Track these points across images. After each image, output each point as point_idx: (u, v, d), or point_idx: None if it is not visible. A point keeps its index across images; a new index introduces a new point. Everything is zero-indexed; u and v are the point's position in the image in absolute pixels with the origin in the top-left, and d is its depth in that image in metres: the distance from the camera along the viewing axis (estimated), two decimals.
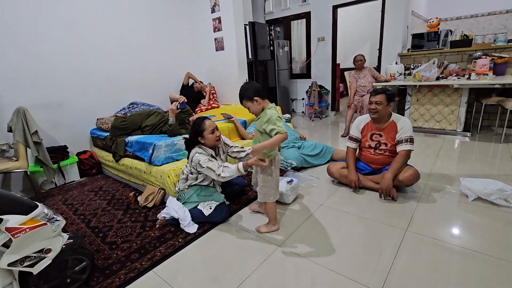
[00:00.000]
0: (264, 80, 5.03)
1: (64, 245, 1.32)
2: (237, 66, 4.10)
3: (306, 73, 5.80)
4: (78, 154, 3.16)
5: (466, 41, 3.76)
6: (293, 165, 2.72)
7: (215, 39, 4.27)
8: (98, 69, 3.32)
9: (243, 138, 3.08)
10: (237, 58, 4.08)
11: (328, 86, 5.48)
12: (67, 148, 3.02)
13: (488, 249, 1.49)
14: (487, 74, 3.14)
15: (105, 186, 2.79)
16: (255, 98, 1.59)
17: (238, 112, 3.44)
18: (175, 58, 4.18)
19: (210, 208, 1.89)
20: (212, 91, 4.33)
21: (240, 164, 1.70)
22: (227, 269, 1.50)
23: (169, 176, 2.20)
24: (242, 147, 2.09)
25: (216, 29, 4.21)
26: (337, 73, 5.44)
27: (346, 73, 4.46)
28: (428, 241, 1.60)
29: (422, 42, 4.14)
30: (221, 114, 3.16)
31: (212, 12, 4.17)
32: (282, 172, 2.71)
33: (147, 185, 2.41)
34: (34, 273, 1.20)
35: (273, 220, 1.79)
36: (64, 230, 1.38)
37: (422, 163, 2.64)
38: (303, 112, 5.92)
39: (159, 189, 2.26)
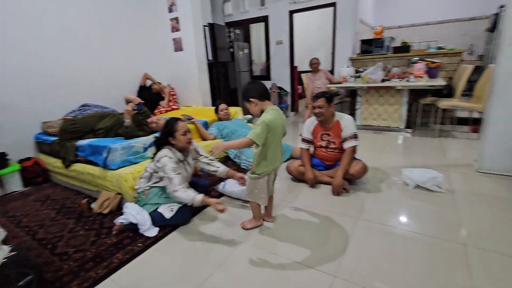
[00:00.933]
0: (225, 81, 5.06)
1: (4, 258, 1.20)
2: (196, 67, 4.07)
3: (266, 75, 5.95)
4: (20, 162, 2.86)
5: (405, 47, 4.21)
6: None
7: (174, 39, 4.19)
8: (44, 68, 3.04)
9: (204, 139, 3.07)
10: (196, 59, 4.05)
11: (287, 88, 5.69)
12: (6, 155, 2.72)
13: (428, 230, 1.69)
14: (422, 77, 3.55)
15: (54, 195, 2.58)
16: (251, 99, 1.56)
17: (198, 113, 3.43)
18: (132, 57, 3.99)
19: (172, 211, 1.86)
20: (172, 92, 4.23)
21: (200, 197, 1.69)
22: (189, 270, 1.49)
23: (126, 180, 2.11)
24: (212, 159, 2.12)
25: (174, 29, 4.14)
26: (295, 75, 5.68)
27: (303, 75, 4.69)
28: (376, 227, 1.76)
29: (369, 47, 4.53)
30: (181, 115, 3.10)
31: (169, 12, 4.09)
32: (244, 171, 2.76)
33: (102, 190, 2.28)
34: None
35: (258, 217, 1.81)
36: (5, 244, 1.26)
37: (371, 158, 2.88)
38: None
39: (115, 194, 2.16)
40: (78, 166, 2.49)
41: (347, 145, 2.23)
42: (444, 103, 3.42)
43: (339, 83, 4.18)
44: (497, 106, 2.30)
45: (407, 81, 3.60)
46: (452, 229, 1.69)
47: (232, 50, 5.23)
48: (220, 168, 2.07)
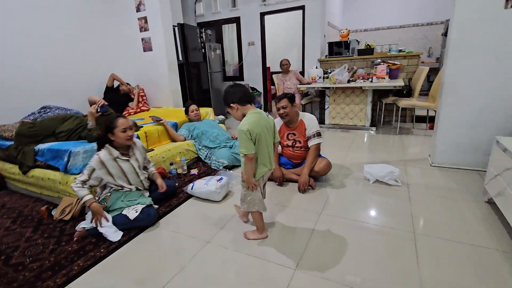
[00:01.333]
0: (197, 82, 5.02)
1: None
2: (166, 67, 4.01)
3: (239, 76, 5.98)
4: None
5: (369, 50, 4.44)
6: (225, 164, 2.81)
7: (142, 39, 4.10)
8: None
9: (174, 140, 3.04)
10: (166, 59, 3.99)
11: (260, 88, 5.76)
12: None
13: (384, 221, 1.81)
14: (384, 78, 3.77)
15: (10, 203, 2.43)
16: (231, 104, 1.51)
17: (168, 114, 3.39)
18: (97, 57, 3.85)
19: (136, 212, 1.82)
20: (141, 94, 4.14)
21: (87, 198, 1.76)
22: (154, 273, 1.49)
23: None
24: (150, 162, 2.20)
25: (143, 29, 4.05)
26: (268, 76, 5.76)
27: (274, 76, 4.78)
28: (338, 220, 1.85)
29: (336, 49, 4.71)
30: (150, 116, 3.06)
31: (137, 11, 3.99)
32: (214, 172, 2.77)
33: (64, 196, 2.19)
34: None
35: (261, 228, 1.70)
36: None
37: (338, 155, 3.01)
38: None
39: (77, 199, 2.08)
40: (37, 172, 2.37)
41: (311, 143, 2.32)
42: (403, 103, 3.65)
43: (308, 83, 4.31)
44: (445, 104, 2.50)
45: (371, 81, 3.80)
46: (405, 219, 1.82)
47: (204, 51, 5.21)
48: (149, 170, 2.18)
